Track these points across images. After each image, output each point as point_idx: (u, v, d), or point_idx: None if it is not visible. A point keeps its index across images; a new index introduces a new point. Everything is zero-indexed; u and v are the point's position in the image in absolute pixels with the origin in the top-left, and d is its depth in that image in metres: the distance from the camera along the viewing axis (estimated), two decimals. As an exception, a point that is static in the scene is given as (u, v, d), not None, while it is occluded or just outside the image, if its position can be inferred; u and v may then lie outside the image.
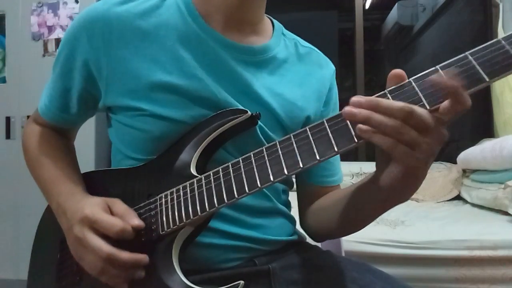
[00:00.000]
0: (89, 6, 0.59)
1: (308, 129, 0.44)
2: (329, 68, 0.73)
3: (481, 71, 0.37)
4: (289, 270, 0.61)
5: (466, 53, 0.38)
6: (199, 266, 0.56)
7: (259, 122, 0.58)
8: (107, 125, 0.66)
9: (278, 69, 0.64)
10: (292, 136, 0.45)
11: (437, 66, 0.40)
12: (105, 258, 0.48)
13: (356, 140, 0.41)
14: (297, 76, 0.66)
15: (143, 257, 0.49)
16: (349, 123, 0.41)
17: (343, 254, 0.84)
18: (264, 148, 0.47)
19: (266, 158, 0.46)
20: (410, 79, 0.41)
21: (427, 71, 0.40)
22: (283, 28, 0.71)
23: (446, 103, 0.38)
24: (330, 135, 0.42)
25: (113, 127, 0.63)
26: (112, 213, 0.52)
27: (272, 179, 0.44)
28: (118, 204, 0.53)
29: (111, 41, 0.57)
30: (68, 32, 0.60)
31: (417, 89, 0.40)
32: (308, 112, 0.64)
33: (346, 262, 0.63)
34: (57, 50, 0.62)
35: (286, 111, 0.61)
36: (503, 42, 0.37)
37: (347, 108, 0.40)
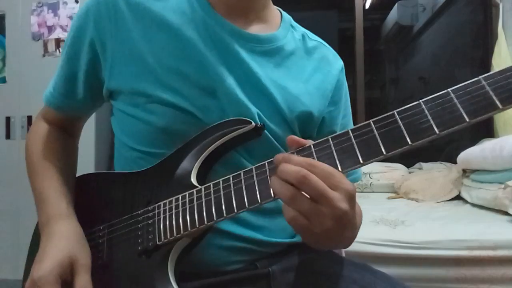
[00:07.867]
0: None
1: (312, 146, 0.44)
2: (337, 64, 0.71)
3: (494, 96, 0.36)
4: (289, 273, 0.60)
5: (480, 77, 0.37)
6: (201, 269, 0.56)
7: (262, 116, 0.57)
8: (110, 114, 0.65)
9: (285, 61, 0.63)
10: (295, 153, 0.44)
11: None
12: None
13: (361, 161, 0.40)
14: (303, 70, 0.65)
15: None
16: (354, 142, 0.41)
17: (343, 255, 0.84)
18: (266, 162, 0.46)
19: (268, 173, 0.45)
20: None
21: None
22: (292, 19, 0.71)
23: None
24: (335, 153, 0.42)
25: (115, 116, 0.63)
26: (72, 280, 0.49)
27: (273, 195, 0.43)
28: (83, 276, 0.49)
29: (117, 23, 0.57)
30: (76, 15, 0.61)
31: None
32: (311, 108, 0.62)
33: (346, 263, 0.62)
34: (66, 35, 0.63)
35: (288, 104, 0.60)
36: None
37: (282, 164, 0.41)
